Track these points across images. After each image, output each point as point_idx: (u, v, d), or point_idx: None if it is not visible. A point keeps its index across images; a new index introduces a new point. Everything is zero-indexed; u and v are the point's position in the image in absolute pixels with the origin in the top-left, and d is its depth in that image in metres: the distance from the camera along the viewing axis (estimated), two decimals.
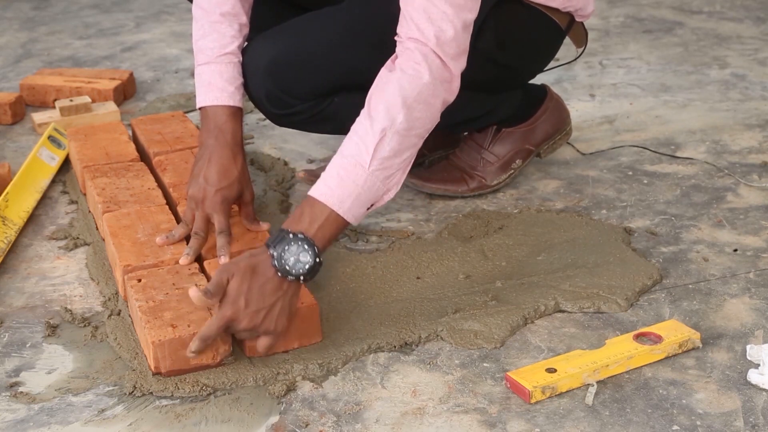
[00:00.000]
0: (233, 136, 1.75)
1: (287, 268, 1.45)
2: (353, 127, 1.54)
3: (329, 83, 1.82)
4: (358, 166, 1.50)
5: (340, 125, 1.90)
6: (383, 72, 1.56)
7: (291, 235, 1.46)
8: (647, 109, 2.52)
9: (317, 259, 1.47)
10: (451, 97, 1.59)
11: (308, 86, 1.81)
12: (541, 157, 2.12)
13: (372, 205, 1.55)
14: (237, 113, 1.77)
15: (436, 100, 1.56)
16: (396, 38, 1.58)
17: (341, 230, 1.52)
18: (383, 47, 1.73)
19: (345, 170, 1.50)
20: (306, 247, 1.46)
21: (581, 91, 2.67)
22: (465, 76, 1.74)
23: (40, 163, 2.20)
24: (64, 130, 2.34)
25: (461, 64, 1.59)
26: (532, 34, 1.91)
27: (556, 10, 1.90)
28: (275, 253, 1.46)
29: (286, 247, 1.46)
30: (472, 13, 1.57)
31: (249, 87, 1.82)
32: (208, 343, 1.46)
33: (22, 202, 2.04)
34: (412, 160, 1.57)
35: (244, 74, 1.80)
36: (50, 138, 2.29)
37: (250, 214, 1.78)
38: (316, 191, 1.51)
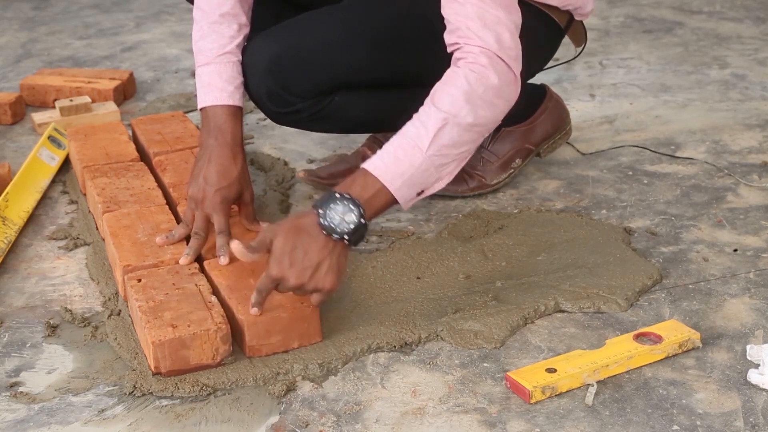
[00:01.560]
0: (233, 135, 1.76)
1: (332, 226, 1.47)
2: (416, 114, 1.56)
3: (330, 81, 1.82)
4: (416, 148, 1.52)
5: (340, 124, 1.91)
6: (451, 69, 1.58)
7: (338, 195, 1.48)
8: (647, 109, 2.52)
9: (362, 220, 1.48)
10: (515, 98, 1.61)
11: (309, 84, 1.82)
12: (540, 157, 2.12)
13: (422, 192, 1.57)
14: (237, 113, 1.77)
15: (501, 102, 1.58)
16: (452, 48, 1.60)
17: (389, 206, 1.54)
18: (383, 46, 1.73)
19: (403, 150, 1.52)
20: (352, 207, 1.48)
21: (581, 91, 2.67)
22: None
23: (40, 163, 2.20)
24: (64, 130, 2.34)
25: (520, 65, 1.60)
26: (531, 32, 1.91)
27: (555, 9, 1.90)
28: (321, 211, 1.48)
29: (332, 206, 1.48)
30: (518, 15, 1.60)
31: (249, 85, 1.82)
32: (264, 296, 1.50)
33: (22, 202, 2.04)
34: (469, 156, 1.59)
35: (245, 72, 1.81)
36: (50, 138, 2.29)
37: (250, 214, 1.78)
38: (371, 165, 1.52)
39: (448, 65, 1.84)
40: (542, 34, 1.93)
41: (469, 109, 1.53)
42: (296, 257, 1.47)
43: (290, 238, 1.48)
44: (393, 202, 1.53)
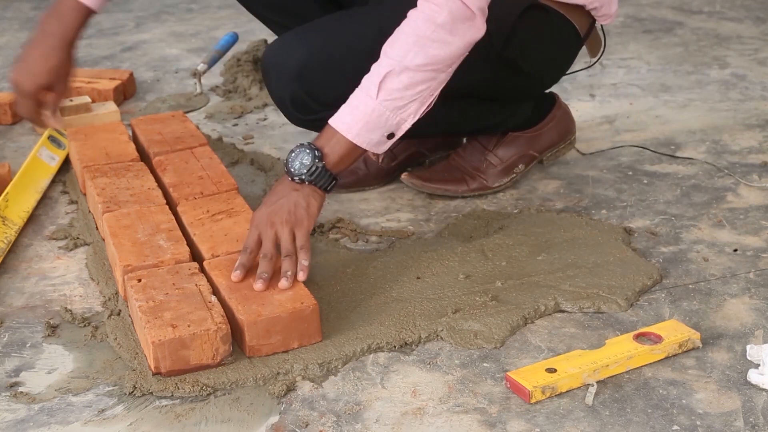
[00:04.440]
0: (64, 27, 1.84)
1: (293, 170, 1.61)
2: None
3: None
4: (367, 96, 1.59)
5: None
6: (409, 13, 1.61)
7: (303, 145, 1.61)
8: (647, 109, 2.52)
9: (318, 162, 1.59)
10: (478, 34, 1.61)
11: (337, 93, 1.79)
12: (543, 163, 2.12)
13: (392, 135, 1.62)
14: (82, 10, 1.87)
15: (456, 39, 1.58)
16: None
17: (356, 153, 1.63)
18: None
19: (357, 99, 1.60)
20: (308, 151, 1.60)
21: (581, 91, 2.67)
22: (487, 85, 1.72)
23: (40, 163, 2.20)
24: (64, 130, 2.34)
25: (482, 1, 1.60)
26: (554, 40, 1.90)
27: (578, 10, 1.88)
28: (286, 161, 1.62)
29: (293, 154, 1.62)
30: None
31: (273, 88, 1.81)
32: (249, 256, 1.60)
33: (22, 202, 2.04)
34: (435, 93, 1.62)
35: (270, 75, 1.79)
36: (50, 138, 2.29)
37: (55, 106, 1.86)
38: (333, 118, 1.62)
39: (471, 69, 1.83)
40: (564, 41, 1.91)
41: (417, 51, 1.56)
42: (269, 199, 1.62)
43: (266, 200, 1.62)
44: (356, 147, 1.61)
